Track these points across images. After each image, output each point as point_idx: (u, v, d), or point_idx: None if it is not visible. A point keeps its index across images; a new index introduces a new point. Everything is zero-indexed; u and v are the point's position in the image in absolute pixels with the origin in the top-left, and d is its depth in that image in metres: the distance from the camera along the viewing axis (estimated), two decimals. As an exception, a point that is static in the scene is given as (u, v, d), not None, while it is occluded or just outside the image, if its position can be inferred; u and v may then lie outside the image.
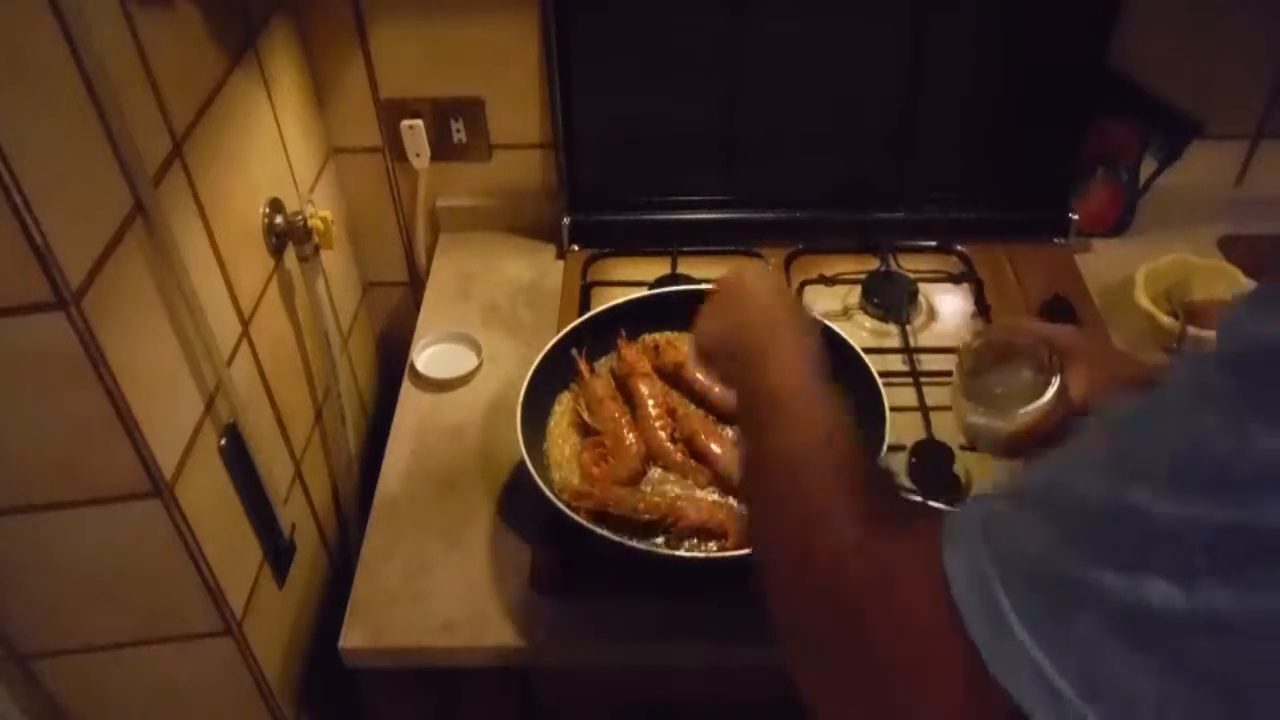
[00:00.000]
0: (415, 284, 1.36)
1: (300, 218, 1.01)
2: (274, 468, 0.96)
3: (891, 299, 1.15)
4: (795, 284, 1.19)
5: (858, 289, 1.18)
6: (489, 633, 0.86)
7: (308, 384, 1.12)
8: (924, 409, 1.01)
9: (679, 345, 1.03)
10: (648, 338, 1.05)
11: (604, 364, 1.04)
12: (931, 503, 0.88)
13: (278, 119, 1.04)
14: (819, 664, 0.50)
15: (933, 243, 1.24)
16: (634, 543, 0.84)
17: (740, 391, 0.66)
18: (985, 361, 0.72)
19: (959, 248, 1.23)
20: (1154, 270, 1.12)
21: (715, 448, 0.93)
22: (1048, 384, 0.67)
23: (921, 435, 0.99)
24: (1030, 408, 0.67)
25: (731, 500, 0.91)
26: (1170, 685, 0.34)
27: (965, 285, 1.18)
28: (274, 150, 1.04)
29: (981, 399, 0.71)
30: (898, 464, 0.96)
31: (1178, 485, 0.34)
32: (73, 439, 0.71)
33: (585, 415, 0.97)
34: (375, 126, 1.22)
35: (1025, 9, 1.13)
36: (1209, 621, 0.33)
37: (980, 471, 0.94)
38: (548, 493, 0.86)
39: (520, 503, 0.96)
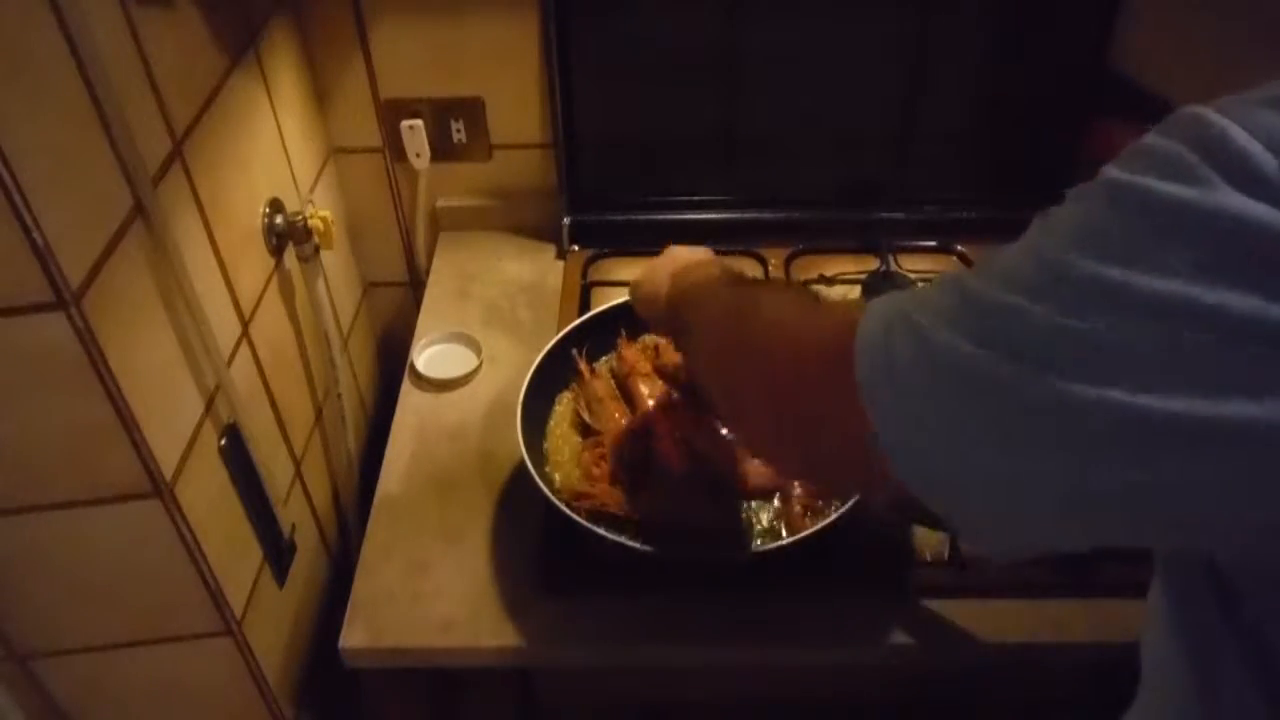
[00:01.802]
0: (415, 284, 1.36)
1: (300, 218, 1.01)
2: (274, 468, 0.96)
3: (891, 299, 1.15)
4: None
5: (858, 289, 1.18)
6: (489, 633, 0.86)
7: (308, 384, 1.12)
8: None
9: (679, 345, 1.03)
10: (648, 338, 1.05)
11: (604, 364, 1.04)
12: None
13: (278, 119, 1.05)
14: (763, 424, 0.60)
15: (933, 243, 1.24)
16: (634, 543, 0.84)
17: (669, 313, 0.79)
18: None
19: (959, 248, 1.23)
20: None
21: (715, 448, 0.93)
22: None
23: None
24: None
25: (732, 500, 0.91)
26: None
27: (965, 285, 1.18)
28: (274, 150, 1.04)
29: None
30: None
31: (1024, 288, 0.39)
32: (73, 439, 0.71)
33: (585, 415, 0.97)
34: (375, 126, 1.22)
35: (1025, 9, 1.13)
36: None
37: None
38: (548, 493, 0.86)
39: (520, 503, 0.96)
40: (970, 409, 0.41)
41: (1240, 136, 0.34)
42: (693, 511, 0.88)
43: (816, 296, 0.63)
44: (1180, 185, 0.35)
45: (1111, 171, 0.39)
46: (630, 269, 1.22)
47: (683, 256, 0.83)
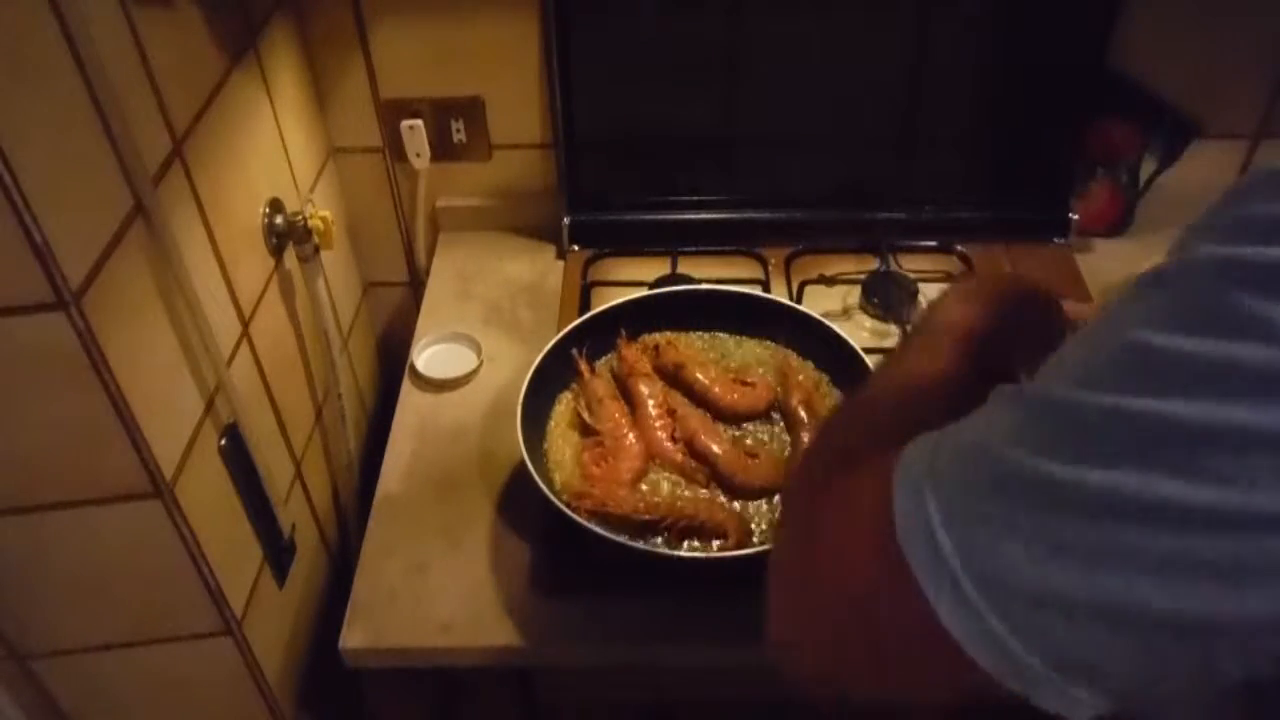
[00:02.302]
0: (415, 284, 1.36)
1: (300, 218, 1.01)
2: (274, 468, 0.96)
3: (891, 299, 1.15)
4: (795, 284, 1.19)
5: (858, 289, 1.18)
6: (489, 633, 0.86)
7: (308, 384, 1.12)
8: (924, 409, 1.01)
9: (679, 345, 1.03)
10: (648, 338, 1.05)
11: (604, 364, 1.04)
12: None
13: (278, 119, 1.05)
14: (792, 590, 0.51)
15: (933, 243, 1.24)
16: (634, 543, 0.84)
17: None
18: None
19: (959, 248, 1.23)
20: (1154, 270, 1.12)
21: (715, 448, 0.93)
22: None
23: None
24: None
25: (732, 500, 0.91)
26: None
27: (965, 285, 1.18)
28: (274, 150, 1.04)
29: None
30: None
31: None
32: (73, 439, 0.71)
33: (585, 415, 0.97)
34: (375, 126, 1.22)
35: (1026, 9, 1.13)
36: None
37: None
38: (548, 493, 0.86)
39: (520, 503, 0.96)
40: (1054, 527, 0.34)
41: None
42: (693, 511, 0.88)
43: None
44: None
45: (1207, 248, 0.34)
46: (630, 269, 1.22)
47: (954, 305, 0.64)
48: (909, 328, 0.67)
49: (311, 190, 1.15)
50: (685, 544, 0.87)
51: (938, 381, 0.55)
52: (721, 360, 1.04)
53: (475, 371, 1.10)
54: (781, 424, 0.98)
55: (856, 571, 0.42)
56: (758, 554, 0.83)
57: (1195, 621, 0.33)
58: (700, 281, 1.14)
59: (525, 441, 0.90)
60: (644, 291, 1.10)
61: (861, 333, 1.13)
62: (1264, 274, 0.31)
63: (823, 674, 0.49)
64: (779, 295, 1.12)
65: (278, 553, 0.98)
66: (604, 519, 0.86)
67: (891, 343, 1.11)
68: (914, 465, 0.40)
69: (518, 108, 1.20)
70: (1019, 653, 0.36)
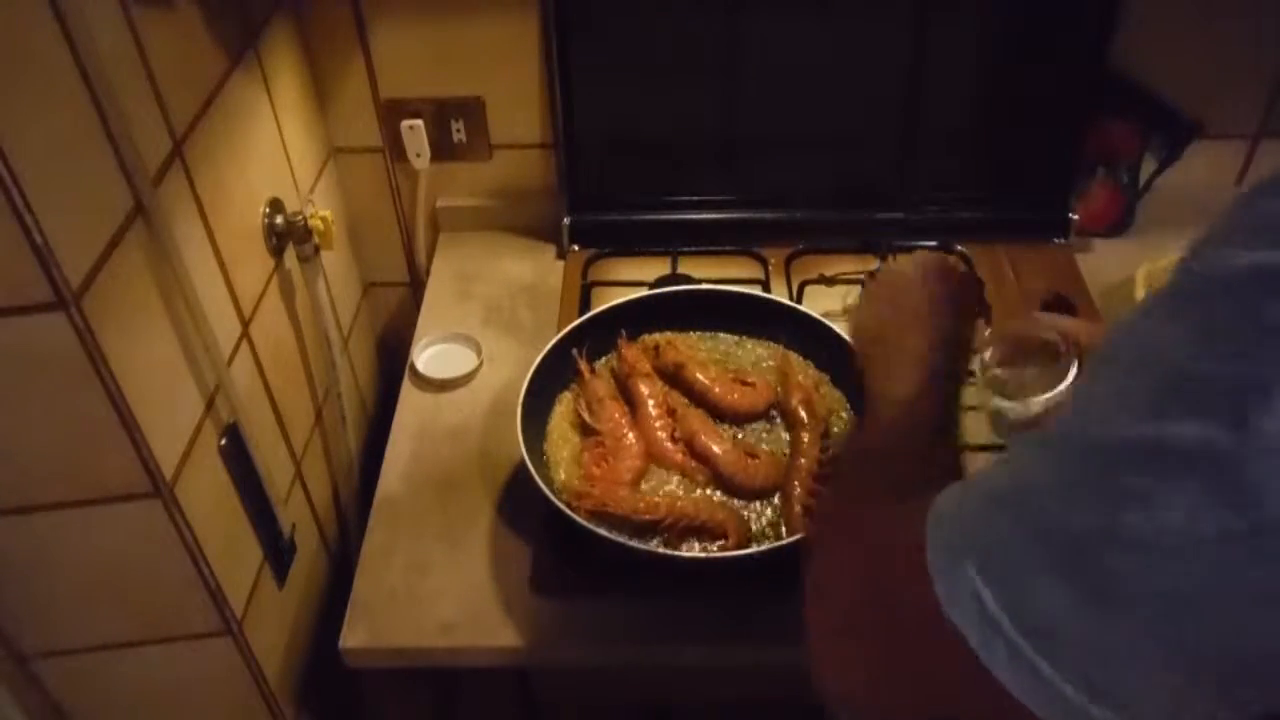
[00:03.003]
0: (415, 284, 1.36)
1: (300, 218, 1.01)
2: (274, 468, 0.96)
3: (891, 299, 1.15)
4: (795, 284, 1.19)
5: (858, 289, 1.17)
6: (489, 633, 0.86)
7: (308, 384, 1.12)
8: (924, 409, 1.01)
9: (679, 345, 1.03)
10: (648, 338, 1.05)
11: (604, 364, 1.04)
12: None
13: (278, 119, 1.05)
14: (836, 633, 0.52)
15: (933, 243, 1.24)
16: (634, 543, 0.84)
17: (868, 397, 0.68)
18: (1006, 354, 0.77)
19: (959, 248, 1.23)
20: (1154, 270, 1.12)
21: (715, 448, 0.93)
22: (1066, 372, 0.72)
23: (921, 435, 0.99)
24: (1050, 394, 0.72)
25: (732, 500, 0.91)
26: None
27: (965, 285, 1.18)
28: (274, 150, 1.04)
29: (1003, 389, 0.75)
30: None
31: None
32: (73, 439, 0.71)
33: (585, 415, 0.97)
34: (375, 126, 1.22)
35: (1025, 9, 1.13)
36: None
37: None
38: (548, 493, 0.86)
39: (520, 503, 0.96)
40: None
41: None
42: (693, 511, 0.88)
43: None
44: None
45: (1245, 259, 0.32)
46: (630, 269, 1.22)
47: (896, 306, 0.71)
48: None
49: (311, 190, 1.15)
50: (685, 544, 0.87)
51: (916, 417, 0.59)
52: (721, 360, 1.04)
53: (475, 371, 1.10)
54: (781, 424, 0.98)
55: (905, 635, 0.42)
56: (758, 554, 0.83)
57: (1252, 656, 0.32)
58: (700, 281, 1.14)
59: (525, 441, 0.90)
60: (644, 291, 1.10)
61: (861, 333, 1.13)
62: None
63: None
64: (779, 295, 1.12)
65: (278, 553, 0.98)
66: (604, 519, 0.86)
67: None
68: (946, 523, 0.40)
69: (518, 108, 1.20)
70: (1072, 698, 0.35)
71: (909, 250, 1.21)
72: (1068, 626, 0.35)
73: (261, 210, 0.98)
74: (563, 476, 0.93)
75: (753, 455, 0.94)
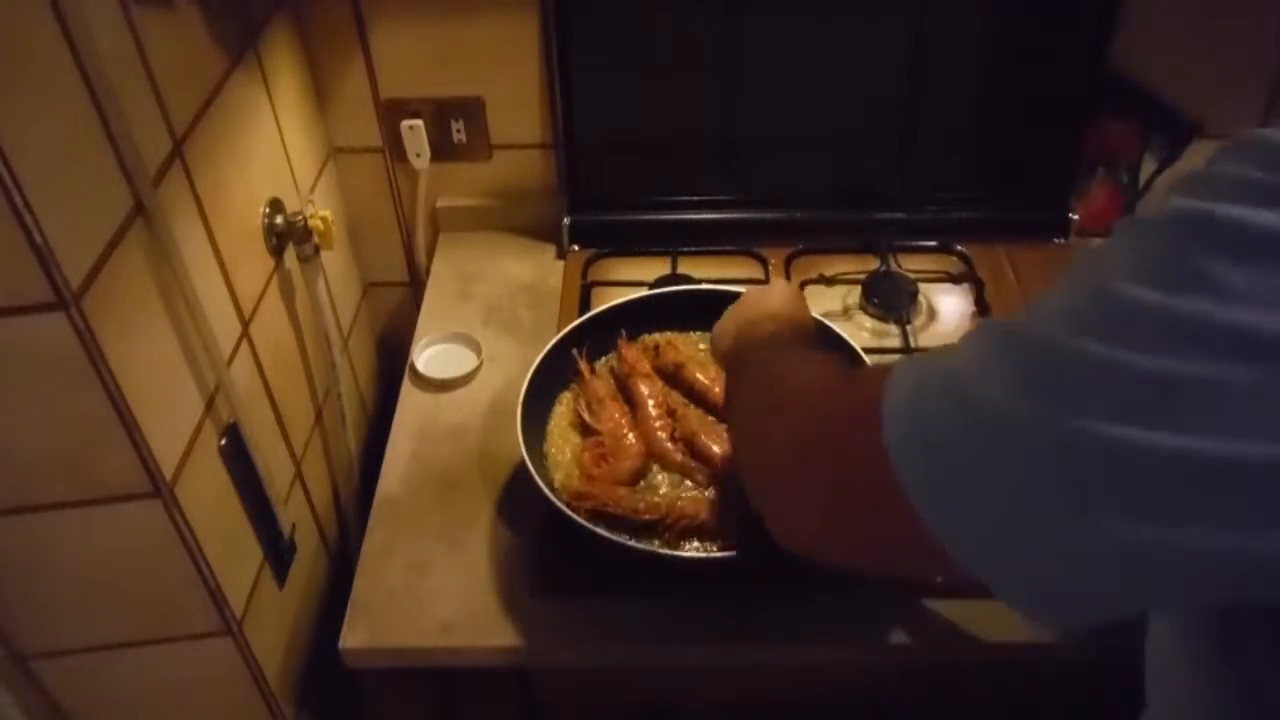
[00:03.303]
0: (415, 284, 1.36)
1: (300, 218, 1.01)
2: (274, 468, 0.96)
3: (891, 299, 1.15)
4: (795, 284, 1.19)
5: (858, 289, 1.18)
6: (489, 633, 0.86)
7: (308, 384, 1.12)
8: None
9: (679, 345, 1.03)
10: (648, 338, 1.05)
11: (604, 364, 1.04)
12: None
13: (278, 119, 1.05)
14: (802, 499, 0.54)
15: (933, 243, 1.24)
16: (634, 543, 0.84)
17: (734, 359, 0.76)
18: None
19: (959, 248, 1.23)
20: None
21: (715, 448, 0.93)
22: None
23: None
24: None
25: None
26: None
27: (965, 285, 1.18)
28: (274, 150, 1.04)
29: None
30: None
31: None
32: (73, 439, 0.71)
33: (585, 415, 0.97)
34: (375, 126, 1.22)
35: (1025, 9, 1.13)
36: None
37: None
38: (548, 493, 0.86)
39: (520, 503, 0.96)
40: (1023, 466, 0.37)
41: None
42: (693, 511, 0.88)
43: (855, 364, 0.60)
44: (1254, 208, 0.32)
45: (1175, 200, 0.35)
46: (630, 269, 1.22)
47: (750, 307, 0.80)
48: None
49: (311, 190, 1.15)
50: (685, 544, 0.87)
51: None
52: (721, 360, 1.04)
53: (475, 371, 1.10)
54: (781, 424, 0.98)
55: (851, 467, 0.47)
56: (757, 554, 0.83)
57: (1148, 550, 0.35)
58: (700, 281, 1.14)
59: (525, 441, 0.90)
60: (644, 291, 1.10)
61: (862, 333, 1.13)
62: (1226, 233, 0.33)
63: (804, 544, 0.55)
64: (779, 295, 1.12)
65: (278, 553, 0.98)
66: (604, 519, 0.86)
67: (892, 343, 1.11)
68: (903, 383, 0.44)
69: (518, 108, 1.20)
70: (987, 546, 0.40)
71: (909, 250, 1.23)
72: (991, 508, 0.38)
73: (261, 210, 0.98)
74: (563, 476, 0.93)
75: (753, 455, 0.93)
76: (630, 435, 0.95)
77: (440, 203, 1.29)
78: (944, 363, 0.42)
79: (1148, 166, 1.22)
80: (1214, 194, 0.34)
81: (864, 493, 0.45)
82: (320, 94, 1.18)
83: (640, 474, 0.93)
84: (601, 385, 0.99)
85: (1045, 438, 0.36)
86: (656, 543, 0.86)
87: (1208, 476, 0.32)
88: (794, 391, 0.58)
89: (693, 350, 1.04)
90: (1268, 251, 0.32)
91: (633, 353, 1.01)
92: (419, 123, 1.20)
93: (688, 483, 0.93)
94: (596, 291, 1.19)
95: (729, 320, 0.82)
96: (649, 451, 0.94)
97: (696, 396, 1.00)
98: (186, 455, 0.79)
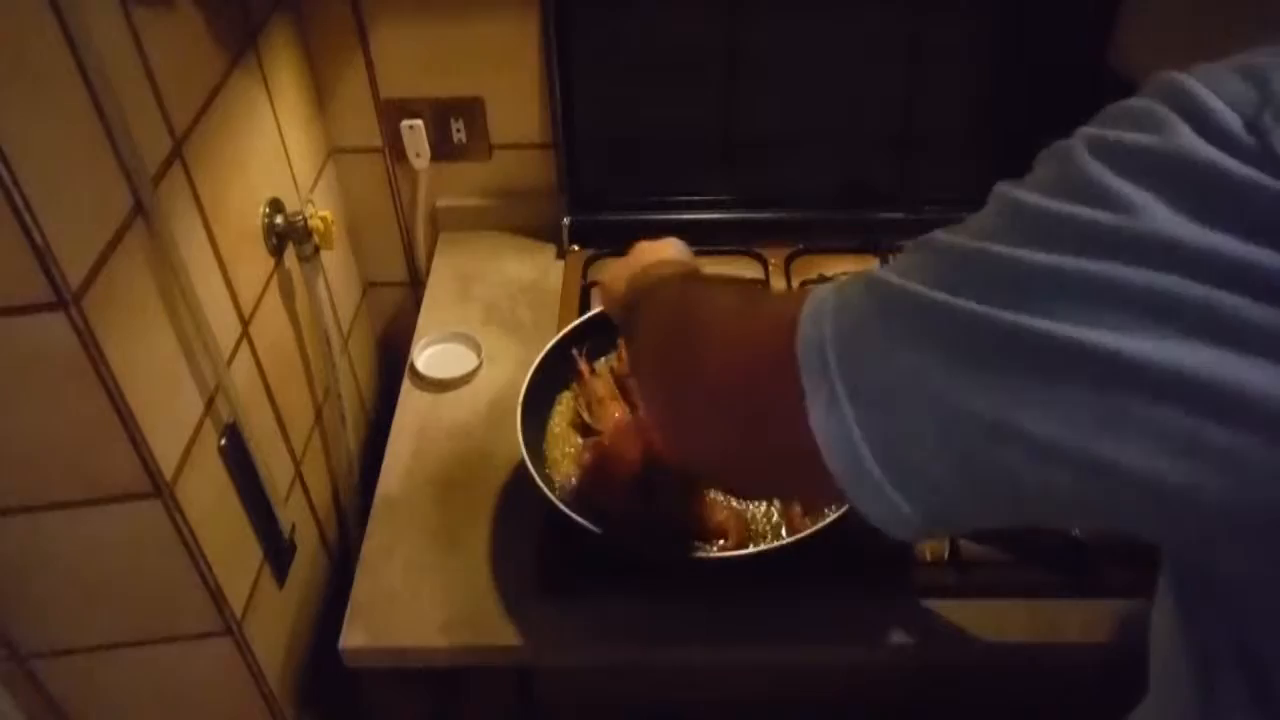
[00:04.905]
0: (415, 284, 1.36)
1: (300, 218, 1.01)
2: (274, 468, 0.96)
3: (891, 299, 1.15)
4: (795, 284, 1.19)
5: (858, 289, 1.17)
6: (489, 633, 0.86)
7: (308, 384, 1.12)
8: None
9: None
10: (648, 338, 1.05)
11: (604, 364, 1.04)
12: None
13: (278, 119, 1.05)
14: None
15: (933, 243, 1.24)
16: (633, 543, 0.84)
17: (623, 316, 0.76)
18: None
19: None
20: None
21: (715, 448, 0.93)
22: None
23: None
24: None
25: (732, 501, 0.91)
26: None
27: (965, 285, 1.18)
28: (274, 150, 1.04)
29: None
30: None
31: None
32: (73, 439, 0.71)
33: (585, 415, 0.97)
34: (375, 126, 1.22)
35: (1025, 9, 1.13)
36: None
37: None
38: (548, 493, 0.86)
39: (520, 503, 0.96)
40: (936, 352, 0.39)
41: (1206, 94, 0.36)
42: (694, 512, 0.88)
43: (766, 290, 0.62)
44: (1149, 134, 0.37)
45: (1085, 129, 0.40)
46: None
47: (646, 255, 0.79)
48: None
49: (311, 190, 1.15)
50: (685, 544, 0.87)
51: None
52: (721, 360, 1.04)
53: (475, 371, 1.10)
54: (781, 424, 0.98)
55: (753, 373, 0.48)
56: (758, 554, 0.83)
57: (1042, 445, 0.37)
58: (700, 281, 1.14)
59: (525, 441, 0.90)
60: (644, 291, 1.10)
61: (861, 333, 1.13)
62: (1117, 151, 0.37)
63: (697, 457, 0.56)
64: (779, 295, 1.12)
65: (278, 553, 0.98)
66: (604, 519, 0.86)
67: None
68: (824, 296, 0.46)
69: (518, 108, 1.20)
70: (867, 461, 0.42)
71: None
72: (891, 397, 0.41)
73: (261, 210, 0.98)
74: (562, 476, 0.93)
75: (753, 455, 0.93)
76: (630, 435, 0.95)
77: (440, 203, 1.29)
78: (868, 273, 0.45)
79: (1148, 166, 1.22)
80: (1118, 123, 0.39)
81: (774, 416, 0.46)
82: (320, 94, 1.18)
83: (640, 474, 0.93)
84: (601, 385, 0.99)
85: (956, 323, 0.39)
86: (656, 543, 0.86)
87: (1096, 362, 0.35)
88: (703, 323, 0.57)
89: (693, 350, 1.04)
90: (1157, 169, 0.36)
91: (633, 353, 1.01)
92: (419, 123, 1.20)
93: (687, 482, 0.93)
94: (596, 291, 1.19)
95: (619, 269, 0.81)
96: (649, 451, 0.94)
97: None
98: (186, 455, 0.79)
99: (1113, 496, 0.37)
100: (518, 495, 0.97)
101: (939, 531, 0.42)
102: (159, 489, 0.75)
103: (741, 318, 0.55)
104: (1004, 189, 0.41)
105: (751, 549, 0.85)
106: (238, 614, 0.88)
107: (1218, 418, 0.34)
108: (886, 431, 0.41)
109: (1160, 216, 0.35)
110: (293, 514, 1.03)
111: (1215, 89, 0.36)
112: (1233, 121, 0.35)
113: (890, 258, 1.20)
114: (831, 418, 0.42)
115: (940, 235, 0.43)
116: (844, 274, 1.15)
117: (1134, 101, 0.40)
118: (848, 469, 0.42)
